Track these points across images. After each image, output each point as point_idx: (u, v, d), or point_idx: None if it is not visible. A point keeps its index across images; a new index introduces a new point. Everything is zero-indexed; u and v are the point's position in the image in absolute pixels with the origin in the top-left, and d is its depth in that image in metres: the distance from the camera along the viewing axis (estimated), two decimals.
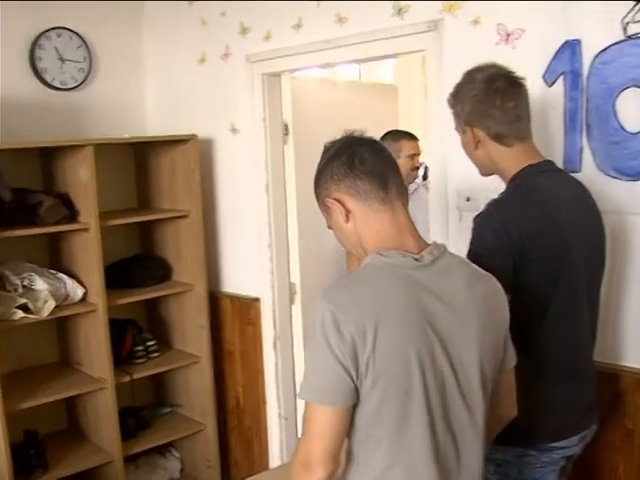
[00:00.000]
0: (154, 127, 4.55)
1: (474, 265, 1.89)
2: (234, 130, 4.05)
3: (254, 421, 4.27)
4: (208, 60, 4.15)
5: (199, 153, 4.05)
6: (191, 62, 4.24)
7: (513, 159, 2.23)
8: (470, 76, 2.29)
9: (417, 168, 4.36)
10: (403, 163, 4.02)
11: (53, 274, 3.77)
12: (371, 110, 4.37)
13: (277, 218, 3.99)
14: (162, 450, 4.40)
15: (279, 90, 3.94)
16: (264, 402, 4.17)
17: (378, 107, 4.43)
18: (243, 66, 3.92)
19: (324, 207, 1.89)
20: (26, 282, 3.62)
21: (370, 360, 1.62)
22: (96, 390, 3.82)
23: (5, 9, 3.87)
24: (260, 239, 4.01)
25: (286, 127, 3.98)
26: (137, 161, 4.42)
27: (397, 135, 4.19)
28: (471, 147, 2.30)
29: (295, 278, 4.13)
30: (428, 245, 1.82)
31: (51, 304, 3.56)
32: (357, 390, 1.66)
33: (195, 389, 4.28)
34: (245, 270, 4.18)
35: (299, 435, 4.21)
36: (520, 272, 2.09)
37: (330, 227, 1.93)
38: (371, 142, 1.86)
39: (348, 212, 1.82)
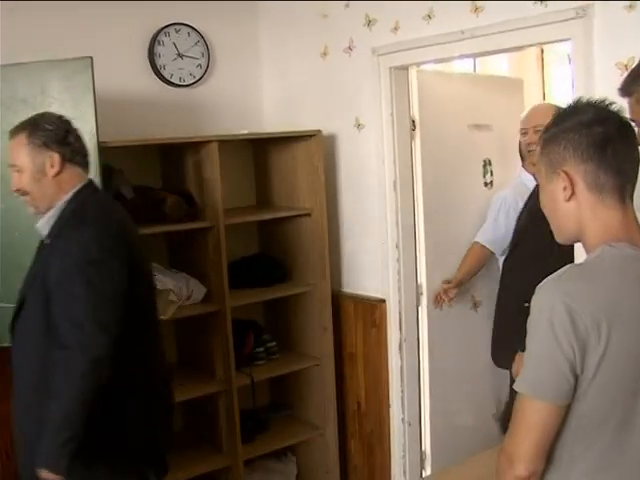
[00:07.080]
0: (271, 123, 4.47)
1: None
2: (359, 125, 3.93)
3: (376, 426, 4.12)
4: (330, 54, 4.04)
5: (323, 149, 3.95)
6: (312, 56, 4.14)
7: None
8: None
9: None
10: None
11: (175, 273, 3.71)
12: (499, 104, 4.19)
13: (405, 217, 3.84)
14: (278, 454, 4.29)
15: (407, 84, 3.80)
16: (387, 407, 4.01)
17: (504, 101, 4.23)
18: (369, 59, 3.79)
19: (547, 167, 1.70)
20: None
21: (602, 359, 1.51)
22: (217, 392, 3.75)
23: (124, 6, 3.86)
24: (387, 238, 3.87)
25: (413, 122, 3.84)
26: (256, 158, 4.35)
27: None
28: None
29: (422, 279, 3.97)
30: None
31: (176, 304, 3.49)
32: (575, 388, 1.54)
33: (315, 392, 4.17)
34: (369, 271, 4.03)
35: (426, 440, 4.07)
36: None
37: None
38: (626, 132, 1.66)
39: (573, 194, 1.65)
